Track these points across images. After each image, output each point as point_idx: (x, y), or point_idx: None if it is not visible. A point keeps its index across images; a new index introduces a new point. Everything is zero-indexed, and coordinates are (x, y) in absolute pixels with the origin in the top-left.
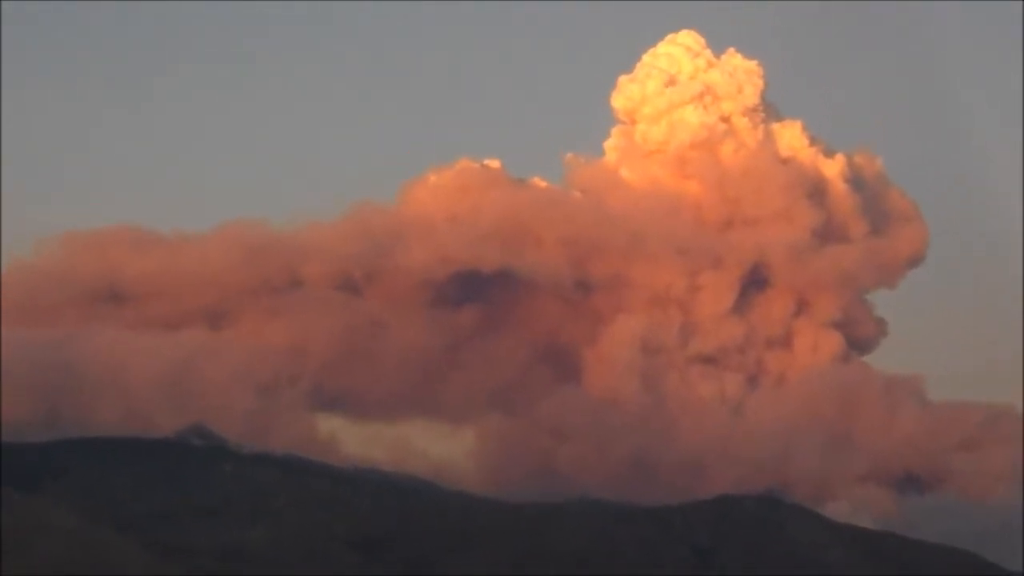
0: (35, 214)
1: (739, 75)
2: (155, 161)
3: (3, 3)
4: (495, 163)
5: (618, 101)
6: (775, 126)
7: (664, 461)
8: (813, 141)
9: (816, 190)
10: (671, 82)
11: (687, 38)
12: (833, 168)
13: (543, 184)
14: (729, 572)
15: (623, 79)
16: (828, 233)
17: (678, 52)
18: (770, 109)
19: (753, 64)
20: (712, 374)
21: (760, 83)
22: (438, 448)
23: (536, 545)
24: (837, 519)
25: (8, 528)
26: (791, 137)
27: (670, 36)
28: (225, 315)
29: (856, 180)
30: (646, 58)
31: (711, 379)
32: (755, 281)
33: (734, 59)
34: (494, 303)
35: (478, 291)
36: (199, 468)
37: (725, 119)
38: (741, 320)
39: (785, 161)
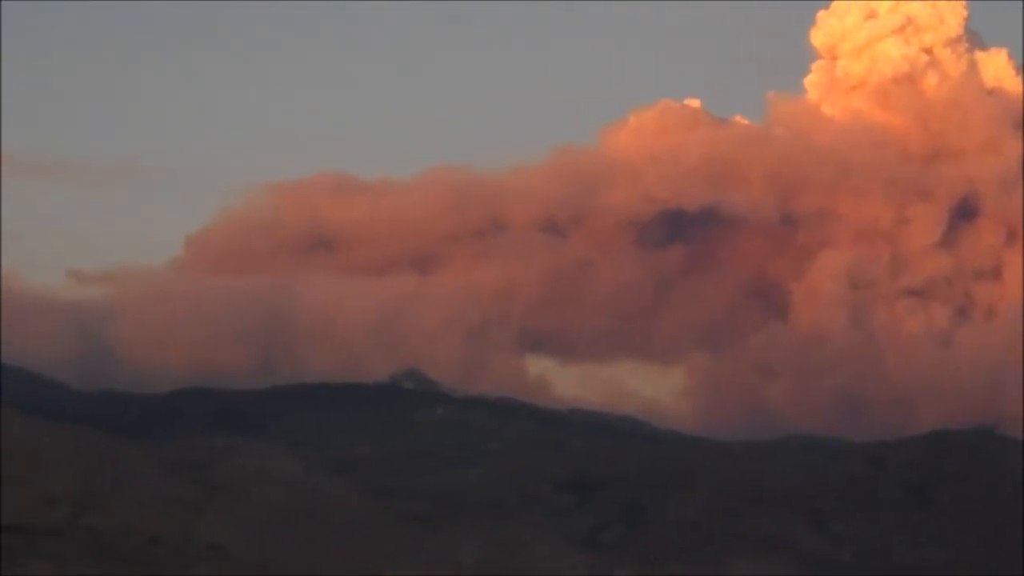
0: (242, 165)
1: (940, 4)
2: (357, 109)
3: None
4: (695, 103)
5: (817, 37)
6: (979, 55)
7: (874, 396)
8: (1020, 70)
9: None
10: (871, 15)
11: None
12: None
13: (744, 122)
14: (945, 510)
15: (822, 14)
16: None
17: None
18: (974, 38)
19: None
20: (920, 307)
21: (963, 12)
22: (648, 387)
23: (748, 483)
24: None
25: (228, 474)
26: (996, 66)
27: None
28: (432, 260)
29: None
30: None
31: (920, 312)
32: (963, 212)
33: None
34: (699, 241)
35: (683, 230)
36: (412, 412)
37: (927, 50)
38: (949, 252)
39: (991, 91)
